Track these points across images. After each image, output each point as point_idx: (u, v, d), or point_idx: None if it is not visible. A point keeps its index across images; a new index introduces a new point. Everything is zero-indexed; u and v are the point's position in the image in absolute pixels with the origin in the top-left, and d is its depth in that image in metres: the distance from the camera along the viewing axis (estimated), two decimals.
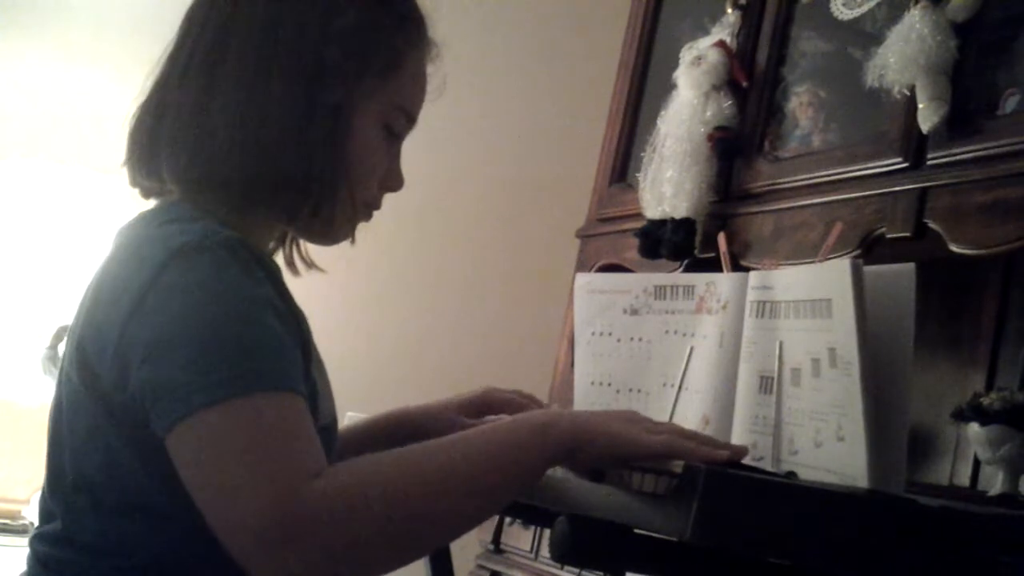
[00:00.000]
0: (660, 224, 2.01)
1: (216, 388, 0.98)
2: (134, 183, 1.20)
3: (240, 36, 1.14)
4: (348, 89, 1.14)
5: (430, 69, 1.23)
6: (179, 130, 1.13)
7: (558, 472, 1.13)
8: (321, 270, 1.28)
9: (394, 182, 1.22)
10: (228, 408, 0.98)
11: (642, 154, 2.11)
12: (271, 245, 1.25)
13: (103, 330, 1.05)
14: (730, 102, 1.98)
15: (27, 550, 1.13)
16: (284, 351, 1.04)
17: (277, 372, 1.01)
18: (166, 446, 1.01)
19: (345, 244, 1.24)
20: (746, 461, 1.12)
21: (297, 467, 0.97)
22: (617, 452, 1.01)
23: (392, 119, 1.19)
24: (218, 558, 1.01)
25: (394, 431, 1.36)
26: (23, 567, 1.13)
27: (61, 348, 2.56)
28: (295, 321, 1.09)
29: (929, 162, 1.58)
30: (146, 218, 1.14)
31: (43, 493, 1.14)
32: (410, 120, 1.22)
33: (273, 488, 0.96)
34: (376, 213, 1.23)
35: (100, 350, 1.05)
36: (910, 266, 1.16)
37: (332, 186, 1.15)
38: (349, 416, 1.55)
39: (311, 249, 1.28)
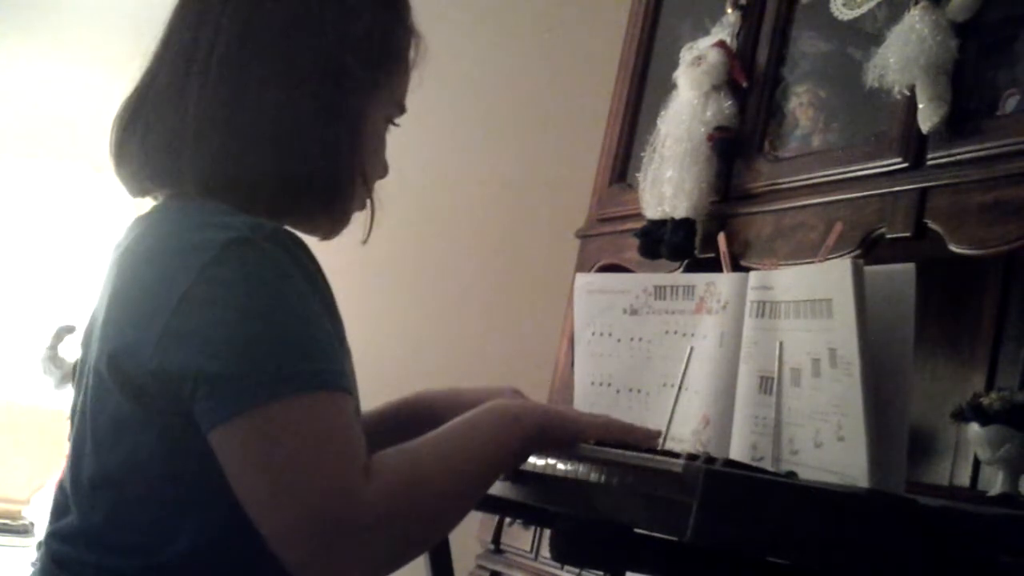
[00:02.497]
0: (660, 224, 2.01)
1: (275, 385, 0.99)
2: (131, 180, 1.18)
3: (263, 42, 1.13)
4: (365, 93, 1.17)
5: (413, 58, 1.25)
6: (205, 132, 1.11)
7: (558, 471, 1.13)
8: None
9: (385, 171, 1.26)
10: (286, 406, 0.99)
11: (642, 154, 2.11)
12: None
13: (141, 321, 1.04)
14: (730, 102, 1.98)
15: (27, 550, 1.13)
16: (335, 348, 1.05)
17: (332, 372, 1.03)
18: (211, 440, 1.01)
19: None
20: (746, 461, 1.13)
21: (353, 468, 0.99)
22: (571, 435, 1.16)
23: (393, 113, 1.23)
24: (241, 553, 1.02)
25: (417, 419, 1.34)
26: (23, 567, 1.12)
27: (61, 348, 2.56)
28: (339, 314, 1.10)
29: (929, 162, 1.58)
30: (177, 213, 1.12)
31: (60, 487, 1.14)
32: (403, 111, 1.25)
33: (333, 490, 0.98)
34: (376, 213, 1.25)
35: (137, 341, 1.04)
36: (910, 266, 1.16)
37: (353, 186, 1.18)
38: None
39: None
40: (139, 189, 1.18)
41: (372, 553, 1.00)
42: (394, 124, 1.24)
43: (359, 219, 1.24)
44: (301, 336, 1.02)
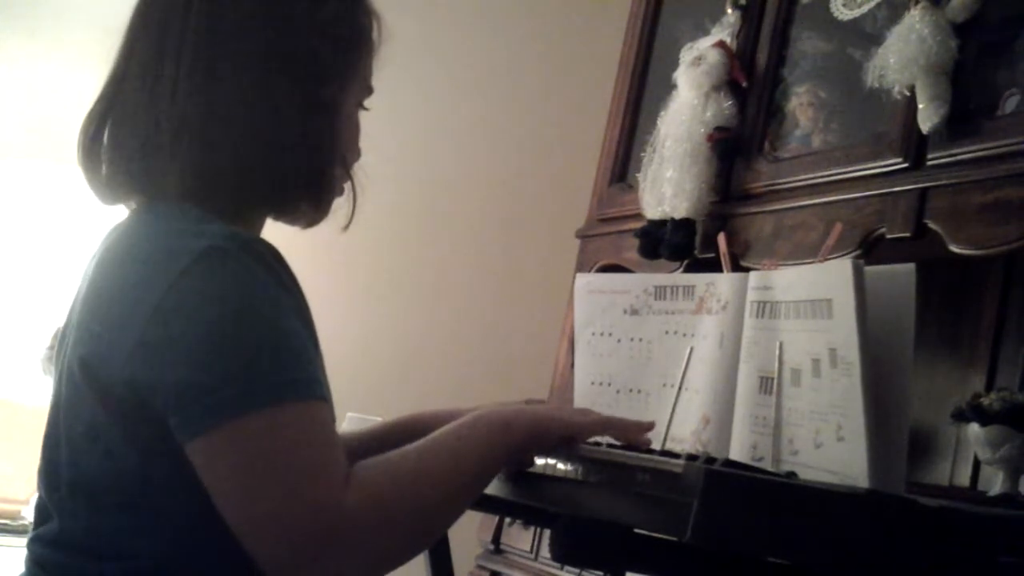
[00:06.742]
0: (660, 224, 2.01)
1: (251, 396, 0.98)
2: (103, 188, 1.17)
3: (233, 38, 1.12)
4: (339, 79, 1.17)
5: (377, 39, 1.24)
6: (182, 133, 1.10)
7: (558, 471, 1.13)
8: None
9: (358, 155, 1.25)
10: (263, 417, 0.98)
11: (642, 154, 2.11)
12: None
13: (115, 329, 1.04)
14: (730, 102, 1.98)
15: (26, 551, 1.13)
16: (311, 357, 1.05)
17: (308, 381, 1.02)
18: (187, 451, 1.00)
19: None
20: (746, 461, 1.13)
21: (332, 477, 0.98)
22: (563, 437, 1.14)
23: (363, 96, 1.23)
24: (216, 560, 1.01)
25: (412, 439, 1.36)
26: (23, 568, 1.12)
27: None
28: (312, 323, 1.09)
29: (929, 162, 1.58)
30: (153, 219, 1.12)
31: (39, 494, 1.14)
32: (371, 92, 1.24)
33: (312, 499, 0.97)
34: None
35: (110, 349, 1.04)
36: (910, 266, 1.16)
37: (335, 174, 1.18)
38: (349, 417, 1.55)
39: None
40: (111, 196, 1.17)
41: (354, 562, 0.99)
42: (364, 108, 1.24)
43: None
44: (276, 346, 1.01)
